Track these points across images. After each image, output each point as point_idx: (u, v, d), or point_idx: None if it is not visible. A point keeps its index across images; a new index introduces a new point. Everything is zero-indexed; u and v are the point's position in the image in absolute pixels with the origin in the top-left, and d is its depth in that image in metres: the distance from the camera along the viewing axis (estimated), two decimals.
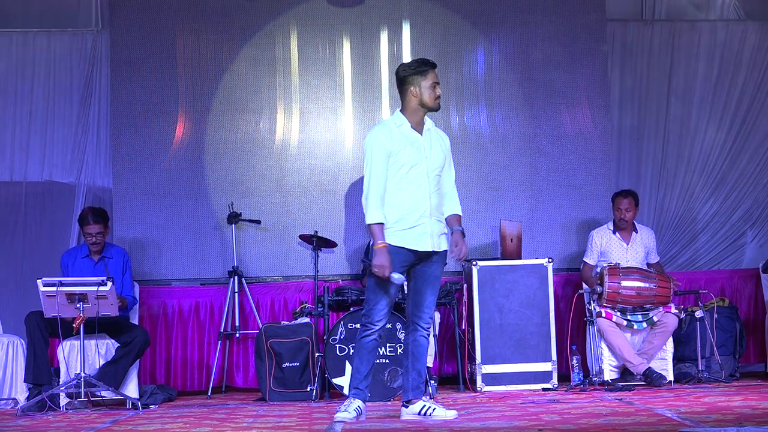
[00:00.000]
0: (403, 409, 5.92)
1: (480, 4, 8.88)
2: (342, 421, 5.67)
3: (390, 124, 5.91)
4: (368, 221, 5.79)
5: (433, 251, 5.86)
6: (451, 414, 5.78)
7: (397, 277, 5.72)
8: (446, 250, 5.95)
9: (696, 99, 9.20)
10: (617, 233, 8.11)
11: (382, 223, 5.77)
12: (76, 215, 8.47)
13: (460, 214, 6.00)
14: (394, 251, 5.78)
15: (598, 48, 8.92)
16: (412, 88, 5.88)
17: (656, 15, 9.30)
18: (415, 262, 5.88)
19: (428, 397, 5.93)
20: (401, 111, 5.92)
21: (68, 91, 8.86)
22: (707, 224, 9.19)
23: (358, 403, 5.80)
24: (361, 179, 5.90)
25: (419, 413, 5.83)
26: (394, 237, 5.80)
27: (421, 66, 5.89)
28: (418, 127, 5.90)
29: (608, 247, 8.08)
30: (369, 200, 5.79)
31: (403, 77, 5.90)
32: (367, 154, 5.84)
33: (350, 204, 8.65)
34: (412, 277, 5.94)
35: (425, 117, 5.94)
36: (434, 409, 5.81)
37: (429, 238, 5.83)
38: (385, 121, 6.00)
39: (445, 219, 5.98)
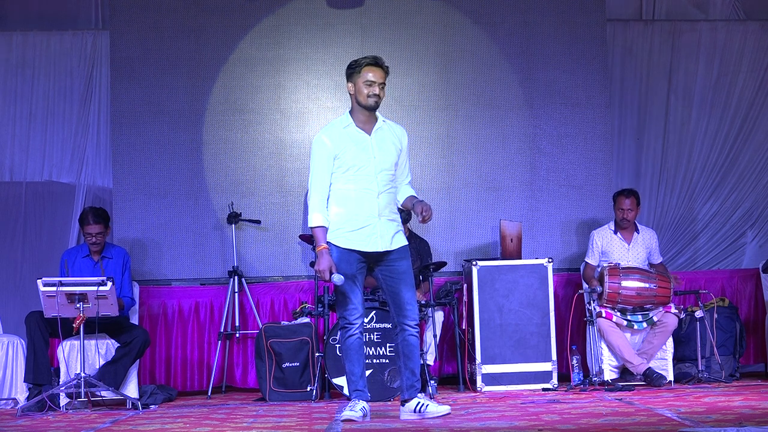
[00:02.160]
0: (401, 408, 5.93)
1: (480, 4, 8.88)
2: (350, 419, 5.68)
3: (336, 125, 5.88)
4: (309, 224, 5.82)
5: (386, 251, 5.82)
6: (443, 408, 5.79)
7: (337, 278, 5.71)
8: (405, 245, 5.90)
9: (696, 99, 9.20)
10: (618, 233, 8.11)
11: (322, 226, 5.78)
12: (76, 215, 8.47)
13: (414, 195, 5.93)
14: (346, 253, 5.78)
15: (598, 48, 8.92)
16: (349, 85, 5.87)
17: (656, 15, 9.30)
18: (372, 263, 5.85)
19: (423, 394, 5.93)
20: (349, 111, 5.90)
21: (68, 91, 8.86)
22: (707, 224, 9.19)
23: (362, 404, 5.81)
24: None
25: (414, 410, 5.84)
26: (343, 239, 5.79)
27: (360, 61, 5.85)
28: (366, 126, 5.85)
29: (609, 248, 8.08)
30: (310, 203, 5.82)
31: (346, 75, 5.89)
32: (311, 157, 5.86)
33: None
34: (381, 280, 5.90)
35: (376, 114, 5.89)
36: (427, 405, 5.82)
37: (379, 238, 5.80)
38: (332, 123, 5.95)
39: (403, 204, 5.93)
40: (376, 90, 5.80)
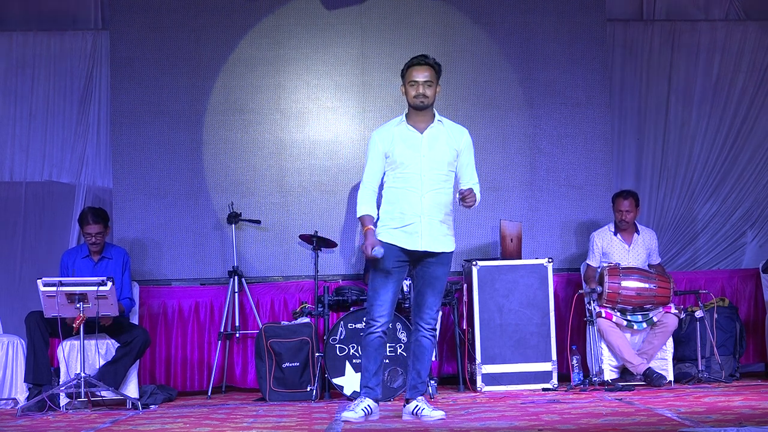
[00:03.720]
0: (404, 406, 5.97)
1: (480, 4, 8.88)
2: (347, 420, 5.68)
3: (390, 123, 5.97)
4: (357, 214, 5.90)
5: (428, 252, 5.84)
6: (437, 414, 5.79)
7: (377, 251, 5.72)
8: (448, 252, 5.91)
9: (696, 99, 9.20)
10: (618, 234, 8.10)
11: (368, 214, 5.83)
12: (76, 215, 8.47)
13: (472, 188, 5.92)
14: (387, 247, 5.81)
15: (598, 48, 8.92)
16: (401, 87, 5.93)
17: (656, 15, 9.30)
18: (413, 261, 5.88)
19: (422, 397, 5.95)
20: (406, 112, 5.96)
21: (68, 91, 8.86)
22: (707, 224, 9.18)
23: (367, 402, 5.81)
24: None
25: (412, 413, 5.88)
26: (387, 234, 5.84)
27: (407, 62, 5.90)
28: (419, 124, 5.88)
29: (610, 249, 8.07)
30: (359, 196, 5.89)
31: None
32: (366, 154, 5.97)
33: (350, 204, 8.64)
34: (414, 278, 5.96)
35: (434, 113, 5.91)
36: (423, 408, 5.84)
37: (419, 238, 5.81)
38: (390, 121, 6.02)
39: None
40: (420, 89, 5.82)
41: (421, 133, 5.87)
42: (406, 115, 5.92)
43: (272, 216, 8.70)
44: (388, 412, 6.28)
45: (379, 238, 5.83)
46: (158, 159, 8.67)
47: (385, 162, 5.86)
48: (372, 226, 5.82)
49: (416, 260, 5.89)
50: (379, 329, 5.83)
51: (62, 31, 8.88)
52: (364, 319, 5.93)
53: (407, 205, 5.81)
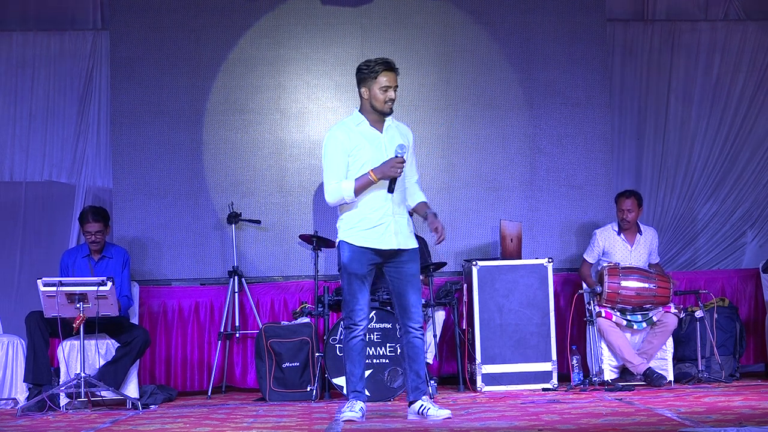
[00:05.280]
0: (408, 408, 5.97)
1: (480, 3, 8.89)
2: (351, 419, 5.71)
3: (349, 123, 5.90)
4: (345, 197, 5.76)
5: (398, 249, 5.84)
6: (443, 413, 5.79)
7: (397, 148, 5.72)
8: (416, 248, 5.93)
9: (696, 99, 9.20)
10: (622, 234, 8.10)
11: (355, 177, 5.75)
12: (76, 215, 8.47)
13: (426, 201, 5.98)
14: (359, 252, 5.80)
15: (598, 48, 8.92)
16: (363, 89, 5.86)
17: (656, 15, 9.30)
18: (382, 262, 5.87)
19: (428, 397, 5.95)
20: (359, 110, 5.91)
21: (68, 91, 8.86)
22: (707, 224, 9.19)
23: (361, 404, 5.84)
24: None
25: (418, 412, 5.87)
26: (358, 237, 5.81)
27: (375, 67, 5.83)
28: (377, 124, 5.88)
29: (612, 248, 8.07)
30: (331, 191, 5.78)
31: (357, 78, 5.88)
32: (324, 153, 5.85)
33: None
34: (389, 281, 5.92)
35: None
36: (429, 408, 5.84)
37: (393, 236, 5.82)
38: (344, 121, 5.96)
39: (414, 208, 5.97)
40: (392, 95, 5.83)
41: (381, 132, 5.88)
42: (364, 115, 5.87)
43: (272, 216, 8.70)
44: (388, 412, 6.29)
45: (349, 241, 5.81)
46: (158, 159, 8.67)
47: (348, 161, 5.81)
48: (371, 171, 5.74)
49: (387, 259, 5.86)
50: (361, 332, 5.84)
51: (62, 31, 8.88)
52: (343, 324, 5.91)
53: (377, 205, 5.80)
